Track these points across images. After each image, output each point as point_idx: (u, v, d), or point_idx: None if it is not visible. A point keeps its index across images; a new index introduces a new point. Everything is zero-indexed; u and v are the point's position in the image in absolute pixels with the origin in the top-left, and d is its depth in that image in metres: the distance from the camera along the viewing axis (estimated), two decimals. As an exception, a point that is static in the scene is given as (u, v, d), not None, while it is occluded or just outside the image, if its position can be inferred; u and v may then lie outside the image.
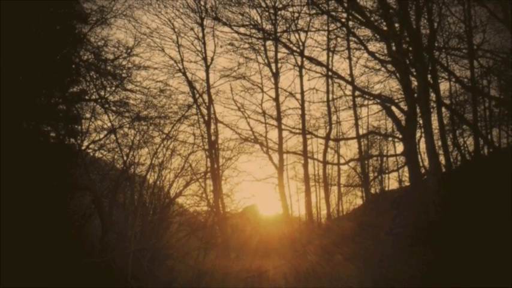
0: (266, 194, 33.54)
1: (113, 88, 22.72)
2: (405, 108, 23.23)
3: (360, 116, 29.74)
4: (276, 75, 28.19)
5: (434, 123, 22.46)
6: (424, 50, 21.36)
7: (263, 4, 26.95)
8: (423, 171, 23.94)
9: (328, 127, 29.65)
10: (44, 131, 19.50)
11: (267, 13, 27.30)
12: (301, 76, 28.71)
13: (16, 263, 15.33)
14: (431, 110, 22.27)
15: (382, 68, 26.46)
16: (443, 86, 25.71)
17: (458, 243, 16.17)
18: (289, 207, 28.78)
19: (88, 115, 22.17)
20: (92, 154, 23.32)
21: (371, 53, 24.86)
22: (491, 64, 24.12)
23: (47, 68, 18.31)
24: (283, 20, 27.32)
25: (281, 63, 28.53)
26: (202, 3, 27.24)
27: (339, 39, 28.46)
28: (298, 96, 28.79)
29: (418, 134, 24.25)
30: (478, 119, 22.86)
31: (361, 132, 29.42)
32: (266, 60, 28.29)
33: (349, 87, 27.84)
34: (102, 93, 22.34)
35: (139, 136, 23.92)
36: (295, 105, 29.14)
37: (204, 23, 27.63)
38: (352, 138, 29.88)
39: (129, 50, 23.13)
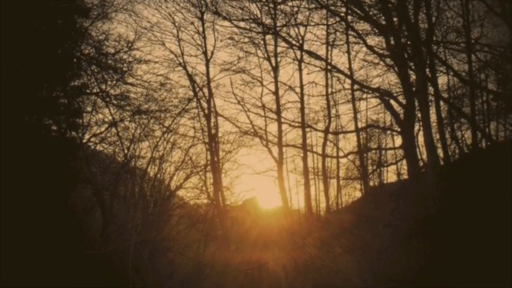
0: (266, 186, 33.41)
1: (114, 82, 22.86)
2: (404, 101, 23.39)
3: (358, 109, 29.74)
4: (275, 69, 28.27)
5: (433, 117, 22.55)
6: (422, 44, 21.47)
7: (263, -2, 27.07)
8: (421, 164, 24.14)
9: (327, 120, 29.74)
10: (45, 125, 19.47)
11: (266, 7, 27.44)
12: (300, 70, 28.79)
13: (17, 256, 15.41)
14: (430, 103, 22.40)
15: (381, 62, 26.60)
16: (442, 80, 25.79)
17: (456, 235, 16.29)
18: (288, 200, 28.97)
19: (89, 108, 22.24)
20: (93, 147, 23.40)
21: (370, 47, 25.00)
22: (489, 58, 24.25)
23: (48, 62, 18.30)
24: (283, 14, 27.48)
25: (280, 57, 28.66)
26: (202, -3, 27.34)
27: (338, 34, 28.48)
28: (298, 89, 28.95)
29: (416, 128, 24.46)
30: (475, 112, 22.96)
31: (360, 125, 29.42)
32: (266, 54, 28.39)
33: (348, 80, 27.88)
34: (103, 86, 22.46)
35: (140, 129, 23.99)
36: (295, 98, 29.30)
37: (204, 17, 27.77)
38: (351, 131, 29.90)
39: (129, 44, 23.27)
